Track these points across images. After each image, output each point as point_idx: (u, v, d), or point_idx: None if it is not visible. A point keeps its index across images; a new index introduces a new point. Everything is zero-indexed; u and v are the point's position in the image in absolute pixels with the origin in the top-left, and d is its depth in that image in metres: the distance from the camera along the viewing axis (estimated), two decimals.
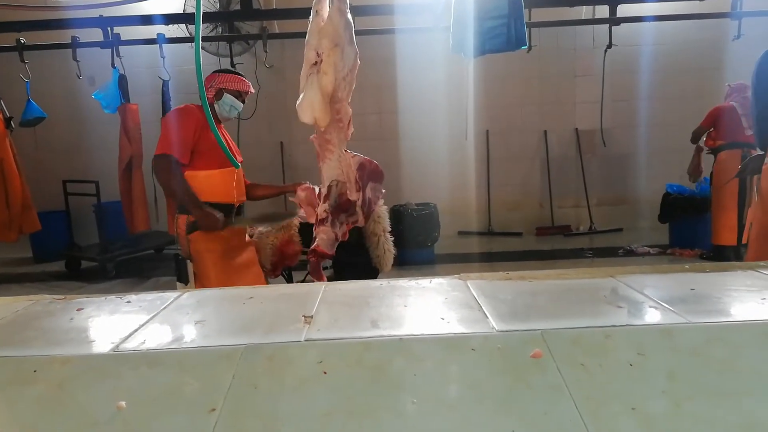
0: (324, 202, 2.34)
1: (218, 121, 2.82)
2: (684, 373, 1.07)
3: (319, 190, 2.41)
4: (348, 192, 2.29)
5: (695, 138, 5.55)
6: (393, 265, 4.81)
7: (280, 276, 4.49)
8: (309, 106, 2.16)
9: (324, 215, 2.34)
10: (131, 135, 5.33)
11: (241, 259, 2.84)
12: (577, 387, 1.03)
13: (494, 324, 1.22)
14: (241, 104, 2.85)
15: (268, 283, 3.05)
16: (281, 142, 7.01)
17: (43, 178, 6.56)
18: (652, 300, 1.36)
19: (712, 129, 5.30)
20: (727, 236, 5.19)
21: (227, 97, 2.79)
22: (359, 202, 2.28)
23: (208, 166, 2.66)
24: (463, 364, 1.09)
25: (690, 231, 5.82)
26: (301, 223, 4.45)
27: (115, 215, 5.72)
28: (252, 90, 2.90)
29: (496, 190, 7.25)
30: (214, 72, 2.85)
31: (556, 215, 7.23)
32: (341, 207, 2.38)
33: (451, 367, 1.09)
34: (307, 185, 2.80)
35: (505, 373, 1.07)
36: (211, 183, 2.67)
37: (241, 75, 2.88)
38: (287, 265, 4.41)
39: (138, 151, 5.37)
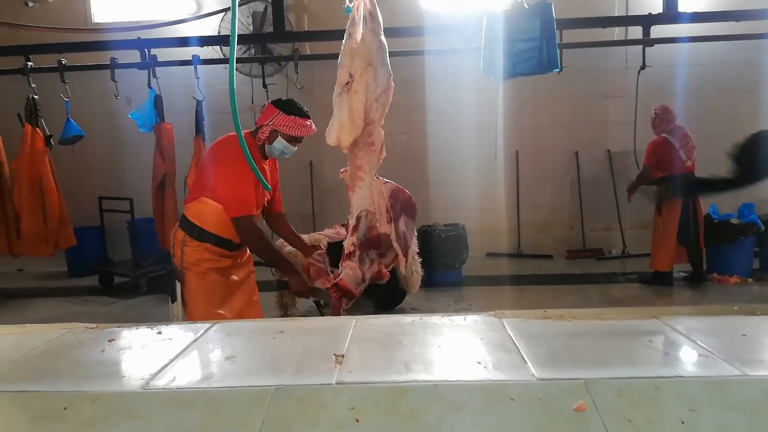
0: (352, 235, 2.20)
1: (264, 157, 2.59)
2: None
3: (347, 222, 2.27)
4: (378, 224, 2.15)
5: (641, 181, 5.50)
6: (420, 287, 4.77)
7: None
8: (335, 127, 2.10)
9: (351, 249, 2.20)
10: (165, 153, 5.42)
11: (235, 278, 2.65)
12: None
13: (534, 371, 1.17)
14: (294, 149, 2.55)
15: (260, 303, 2.84)
16: (310, 162, 7.05)
17: (79, 194, 6.71)
18: (702, 347, 1.29)
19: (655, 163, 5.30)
20: (661, 263, 5.31)
21: (279, 142, 2.50)
22: (394, 236, 2.11)
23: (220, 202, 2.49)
24: (502, 416, 1.04)
25: (728, 256, 5.62)
26: (329, 243, 4.47)
27: (147, 232, 5.81)
28: (312, 132, 2.52)
29: (525, 211, 7.13)
30: (275, 105, 2.52)
31: (587, 238, 7.06)
32: (371, 242, 2.22)
33: (490, 418, 1.04)
34: (319, 255, 2.60)
35: (546, 426, 1.02)
36: (220, 218, 2.49)
37: (306, 115, 2.51)
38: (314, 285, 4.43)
39: (171, 169, 5.46)
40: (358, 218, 2.20)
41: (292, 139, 2.51)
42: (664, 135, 5.23)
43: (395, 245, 2.16)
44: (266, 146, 2.54)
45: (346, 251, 2.24)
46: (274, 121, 2.48)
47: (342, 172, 2.22)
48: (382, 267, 2.31)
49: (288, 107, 2.51)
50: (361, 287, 2.22)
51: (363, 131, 2.14)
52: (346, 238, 4.47)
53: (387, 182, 2.19)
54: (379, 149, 2.17)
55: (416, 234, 2.47)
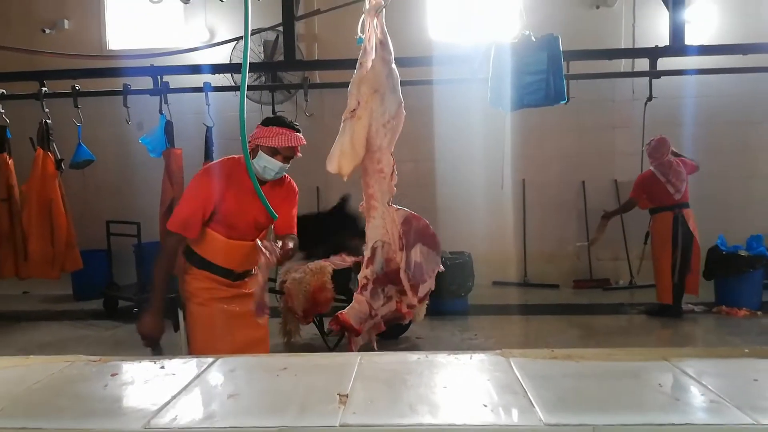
0: (367, 267, 2.06)
1: (262, 182, 2.41)
2: None
3: (363, 254, 2.12)
4: (393, 253, 2.03)
5: (624, 210, 5.79)
6: (425, 315, 4.73)
7: (312, 322, 4.48)
8: (336, 153, 2.05)
9: (365, 282, 2.05)
10: (174, 178, 5.46)
11: (238, 309, 2.54)
12: None
13: (541, 415, 1.15)
14: (279, 163, 2.38)
15: (268, 341, 2.70)
16: (317, 187, 7.09)
17: (88, 217, 6.76)
18: (712, 392, 1.26)
19: (644, 195, 5.44)
20: (664, 296, 5.31)
21: (261, 157, 2.37)
22: (403, 266, 1.97)
23: (220, 232, 2.43)
24: None
25: (737, 289, 5.56)
26: (334, 270, 4.45)
27: (154, 255, 5.78)
28: (294, 143, 2.36)
29: (532, 240, 7.11)
30: (260, 123, 2.45)
31: (594, 268, 7.02)
32: (388, 276, 2.05)
33: None
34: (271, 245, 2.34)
35: None
36: (215, 246, 2.45)
37: (288, 125, 2.38)
38: (319, 311, 4.38)
39: (179, 194, 5.50)
40: (374, 249, 2.07)
41: (275, 152, 2.36)
42: (651, 169, 5.33)
43: (402, 275, 2.02)
44: (254, 165, 2.37)
45: (360, 284, 2.10)
46: (254, 134, 2.40)
47: (361, 206, 2.16)
48: (403, 306, 2.10)
49: (267, 120, 2.44)
50: (367, 324, 2.07)
51: (372, 158, 2.08)
52: (351, 265, 4.49)
53: (399, 209, 2.10)
54: (389, 176, 2.09)
55: (441, 268, 2.19)
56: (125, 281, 6.21)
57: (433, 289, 2.16)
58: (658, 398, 1.24)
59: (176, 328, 2.68)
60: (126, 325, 5.50)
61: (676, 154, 5.41)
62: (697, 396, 1.27)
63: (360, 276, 2.12)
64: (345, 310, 2.10)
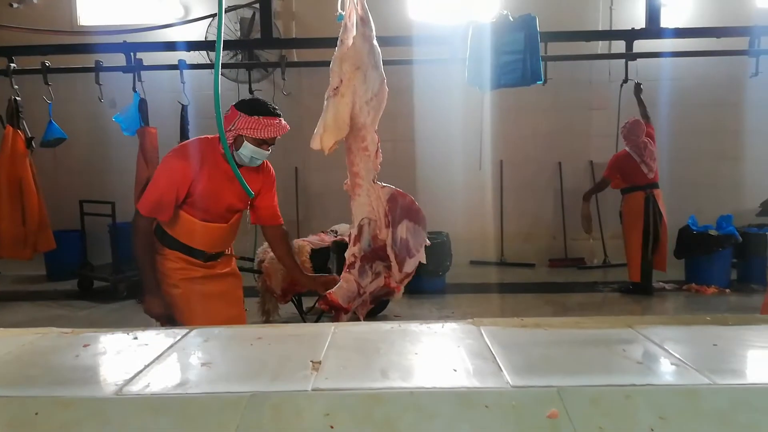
0: (354, 245, 2.07)
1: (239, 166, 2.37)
2: None
3: (350, 231, 2.14)
4: (378, 230, 2.04)
5: (598, 189, 5.81)
6: (403, 294, 4.76)
7: (291, 302, 4.48)
8: (319, 131, 2.05)
9: (352, 260, 2.06)
10: (149, 157, 5.38)
11: (215, 288, 2.52)
12: None
13: (509, 378, 1.18)
14: (266, 152, 2.36)
15: (246, 311, 2.75)
16: (296, 168, 7.05)
17: (60, 197, 6.63)
18: (674, 356, 1.31)
19: (618, 175, 5.50)
20: (634, 273, 5.44)
21: (247, 147, 2.32)
22: (390, 242, 1.99)
23: (193, 214, 2.38)
24: (476, 423, 1.05)
25: (707, 267, 5.71)
26: (312, 249, 4.45)
27: (129, 236, 5.69)
28: (282, 133, 2.33)
29: (509, 220, 7.19)
30: (237, 108, 2.32)
31: (569, 247, 7.14)
32: (377, 252, 2.07)
33: (463, 425, 1.05)
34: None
35: None
36: (190, 228, 2.41)
37: (273, 113, 2.32)
38: (297, 291, 4.39)
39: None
40: (360, 227, 2.07)
41: (261, 142, 2.32)
42: (626, 149, 5.41)
43: (389, 252, 2.03)
44: (234, 153, 2.33)
45: (347, 262, 2.09)
46: (236, 125, 2.28)
47: (345, 184, 2.15)
48: (391, 281, 2.12)
49: (249, 107, 2.31)
50: (356, 302, 2.07)
51: (356, 137, 2.08)
52: (329, 244, 4.49)
53: (385, 186, 2.10)
54: (374, 153, 2.09)
55: (428, 243, 2.22)
56: (100, 261, 6.13)
57: (425, 263, 2.17)
58: (622, 362, 1.29)
59: None
60: (101, 305, 5.44)
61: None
62: (659, 360, 1.32)
63: (347, 254, 2.11)
64: (333, 289, 2.09)
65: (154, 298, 2.39)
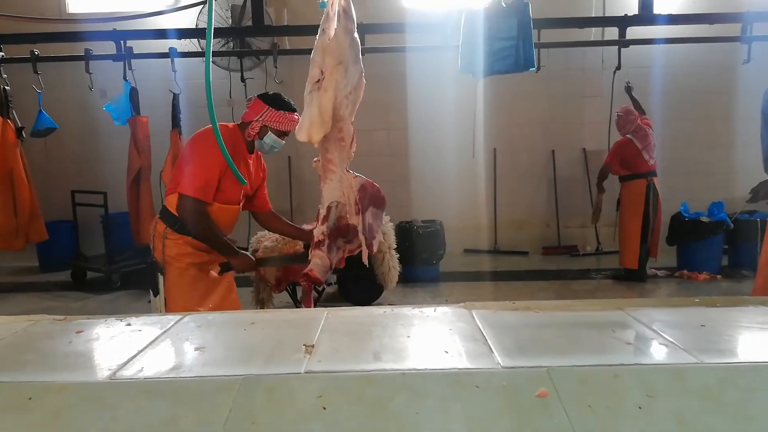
0: (322, 224, 2.26)
1: (250, 150, 2.65)
2: (694, 417, 1.03)
3: (318, 211, 2.32)
4: (347, 215, 2.22)
5: (603, 176, 5.69)
6: (398, 282, 4.79)
7: (285, 291, 4.49)
8: (305, 124, 2.12)
9: (321, 238, 2.26)
10: (140, 147, 5.35)
11: (214, 274, 2.62)
12: (584, 431, 1.00)
13: (499, 359, 1.19)
14: (283, 142, 2.63)
15: (239, 299, 2.88)
16: (289, 157, 7.03)
17: (52, 187, 6.59)
18: (662, 336, 1.33)
19: (619, 162, 5.49)
20: (631, 261, 5.46)
21: (270, 137, 2.57)
22: (360, 228, 2.19)
23: (215, 197, 2.51)
24: (467, 403, 1.07)
25: (698, 254, 5.76)
26: None
27: (122, 226, 5.72)
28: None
29: (502, 208, 7.22)
30: (264, 100, 2.56)
31: (562, 235, 7.18)
32: (340, 231, 2.30)
33: (455, 405, 1.06)
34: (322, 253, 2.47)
35: (509, 413, 1.04)
36: (208, 210, 2.51)
37: (294, 109, 2.58)
38: (292, 280, 4.40)
39: (147, 163, 5.39)
40: (329, 209, 2.25)
41: (282, 134, 2.59)
42: (628, 136, 5.41)
43: (361, 236, 2.21)
44: (255, 141, 2.60)
45: (315, 239, 2.29)
46: (264, 117, 2.53)
47: (315, 162, 2.25)
48: (346, 253, 2.40)
49: (277, 102, 2.56)
50: (327, 274, 2.32)
51: (334, 127, 2.18)
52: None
53: (357, 176, 2.23)
54: (349, 144, 2.21)
55: (389, 223, 2.43)
56: (93, 252, 6.11)
57: (380, 240, 2.45)
58: (612, 343, 1.31)
59: (156, 292, 2.69)
60: (95, 296, 5.43)
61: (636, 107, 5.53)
62: (648, 340, 1.33)
63: (316, 232, 2.29)
64: (311, 266, 2.27)
65: (240, 257, 2.56)
